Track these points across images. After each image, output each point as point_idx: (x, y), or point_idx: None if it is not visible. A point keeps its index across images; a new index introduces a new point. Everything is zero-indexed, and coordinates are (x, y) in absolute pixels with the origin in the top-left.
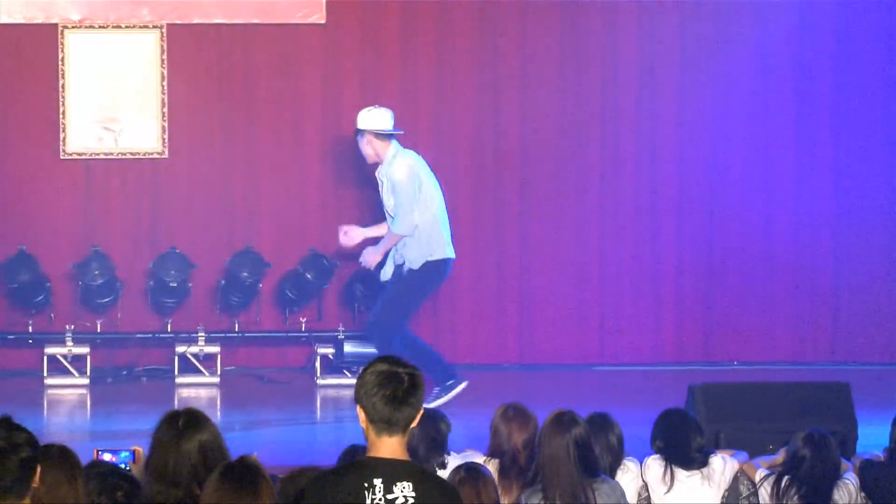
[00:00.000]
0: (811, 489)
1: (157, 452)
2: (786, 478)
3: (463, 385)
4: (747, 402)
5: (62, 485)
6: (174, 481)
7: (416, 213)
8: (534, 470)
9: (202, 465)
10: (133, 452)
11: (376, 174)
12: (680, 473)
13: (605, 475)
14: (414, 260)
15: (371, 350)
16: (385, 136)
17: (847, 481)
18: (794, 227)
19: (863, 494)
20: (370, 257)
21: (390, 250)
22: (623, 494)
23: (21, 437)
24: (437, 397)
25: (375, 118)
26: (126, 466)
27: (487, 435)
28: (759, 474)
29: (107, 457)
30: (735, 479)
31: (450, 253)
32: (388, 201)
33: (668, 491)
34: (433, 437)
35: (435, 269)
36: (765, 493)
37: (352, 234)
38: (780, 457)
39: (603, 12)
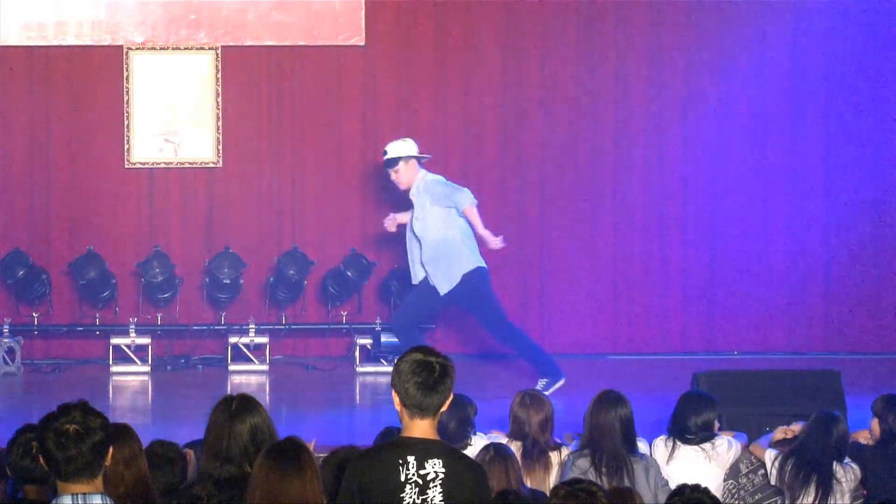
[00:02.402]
0: (818, 467)
1: (213, 432)
2: (792, 458)
3: (561, 382)
4: (747, 388)
5: (126, 461)
6: (227, 458)
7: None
8: (583, 440)
9: (252, 444)
10: (185, 455)
11: (411, 197)
12: (682, 448)
13: (640, 452)
14: (445, 280)
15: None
16: (417, 162)
17: (854, 465)
18: (788, 225)
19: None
20: (494, 243)
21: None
22: (658, 471)
23: (96, 421)
24: (546, 388)
25: (411, 146)
26: None
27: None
28: (769, 455)
29: None
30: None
31: (480, 262)
32: (420, 220)
33: (668, 462)
34: (462, 420)
35: (471, 279)
36: (775, 471)
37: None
38: (775, 435)
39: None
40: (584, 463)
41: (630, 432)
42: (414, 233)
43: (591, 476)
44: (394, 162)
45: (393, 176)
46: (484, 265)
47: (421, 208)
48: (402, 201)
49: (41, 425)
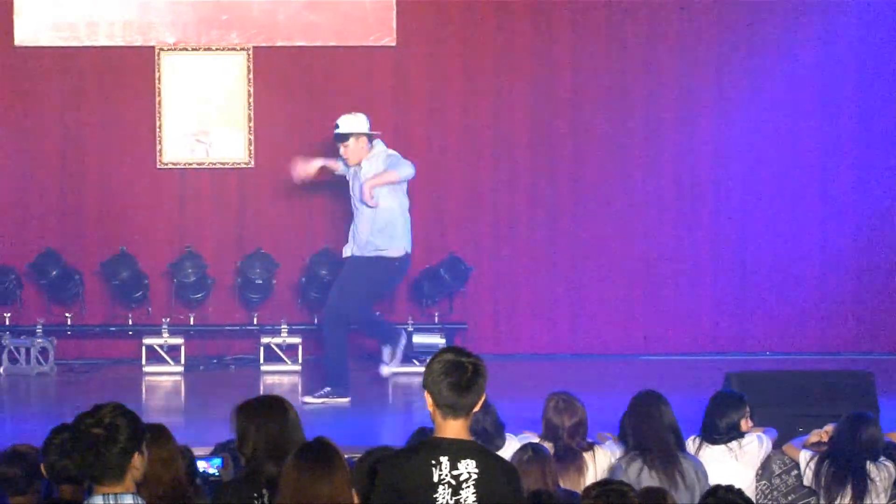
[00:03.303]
0: (852, 467)
1: (269, 431)
2: (826, 459)
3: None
4: (779, 388)
5: (163, 462)
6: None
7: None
8: (632, 444)
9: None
10: (223, 459)
11: (352, 169)
12: (708, 448)
13: (687, 452)
14: (382, 247)
15: (439, 341)
16: (368, 139)
17: (887, 463)
18: (820, 225)
19: None
20: (367, 186)
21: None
22: (705, 473)
23: (124, 424)
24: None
25: (363, 122)
26: (217, 473)
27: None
28: (804, 455)
29: (200, 465)
30: (768, 458)
31: (408, 247)
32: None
33: None
34: (496, 420)
35: (390, 263)
36: (809, 472)
37: (308, 163)
38: (810, 437)
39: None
40: (635, 467)
41: (678, 431)
42: (353, 200)
43: (645, 479)
44: (345, 137)
45: (342, 150)
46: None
47: (363, 174)
48: (433, 197)
49: (73, 425)
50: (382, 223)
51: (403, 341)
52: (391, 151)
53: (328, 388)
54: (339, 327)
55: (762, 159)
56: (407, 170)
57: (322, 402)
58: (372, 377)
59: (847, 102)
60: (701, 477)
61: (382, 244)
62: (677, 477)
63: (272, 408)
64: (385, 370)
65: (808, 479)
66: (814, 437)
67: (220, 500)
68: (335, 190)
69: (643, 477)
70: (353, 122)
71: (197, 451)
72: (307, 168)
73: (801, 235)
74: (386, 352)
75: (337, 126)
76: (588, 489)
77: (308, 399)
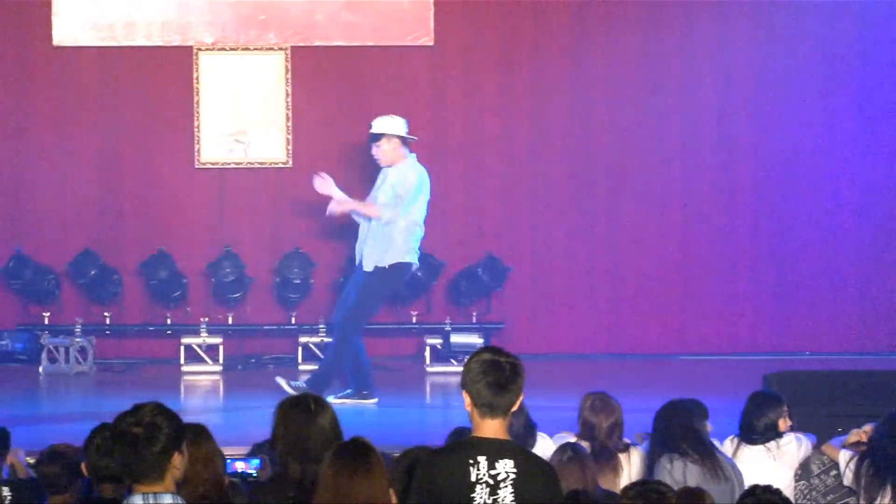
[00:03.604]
0: (891, 468)
1: (292, 432)
2: (866, 459)
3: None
4: (818, 388)
5: (203, 461)
6: (315, 458)
7: (397, 214)
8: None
9: (335, 440)
10: (262, 460)
11: (381, 172)
12: (746, 448)
13: (722, 452)
14: (379, 259)
15: (476, 341)
16: (403, 142)
17: None
18: (860, 225)
19: None
20: (337, 207)
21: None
22: (739, 472)
23: (164, 424)
24: (346, 398)
25: (396, 125)
26: (255, 474)
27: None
28: (844, 455)
29: (239, 465)
30: (807, 459)
31: (414, 259)
32: (379, 195)
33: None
34: (528, 420)
35: (398, 271)
36: (849, 472)
37: (327, 184)
38: (850, 437)
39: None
40: (678, 465)
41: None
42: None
43: (690, 475)
44: (377, 137)
45: (374, 150)
46: (416, 263)
47: (385, 185)
48: (473, 196)
49: (113, 424)
50: (380, 234)
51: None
52: (416, 175)
53: (350, 391)
54: (354, 334)
55: (802, 158)
56: (388, 213)
57: (341, 403)
58: (409, 377)
59: (889, 99)
60: (738, 473)
61: (379, 255)
62: (718, 471)
63: (297, 407)
64: (281, 381)
65: (847, 479)
66: (853, 436)
67: (254, 500)
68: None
69: (687, 473)
70: (386, 124)
71: (235, 451)
72: (339, 208)
73: (841, 234)
74: (311, 381)
75: (371, 126)
76: (626, 489)
77: (330, 399)
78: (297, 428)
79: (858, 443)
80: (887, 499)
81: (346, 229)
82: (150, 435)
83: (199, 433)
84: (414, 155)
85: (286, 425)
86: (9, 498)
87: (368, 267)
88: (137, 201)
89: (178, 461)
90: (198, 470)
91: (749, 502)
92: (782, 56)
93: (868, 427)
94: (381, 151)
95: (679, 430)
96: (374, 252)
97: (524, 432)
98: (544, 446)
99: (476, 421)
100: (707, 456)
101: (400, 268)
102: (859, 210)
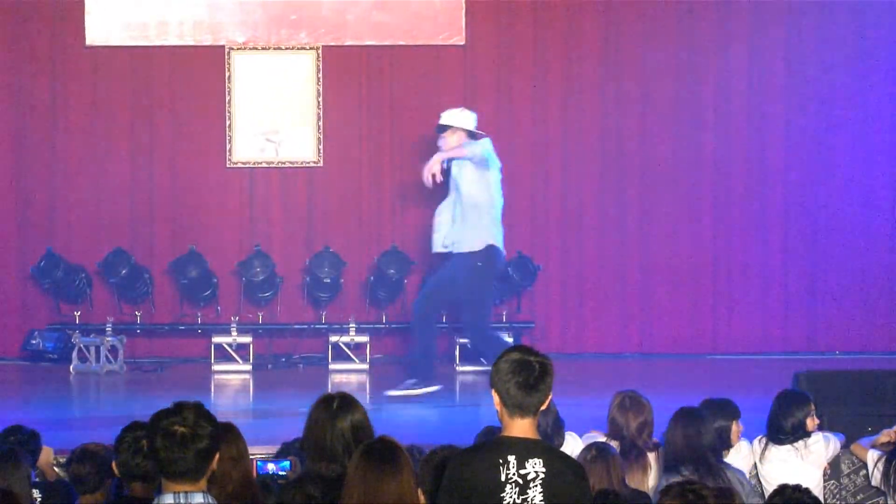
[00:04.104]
0: None
1: (314, 431)
2: (894, 460)
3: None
4: (848, 388)
5: (233, 460)
6: (332, 457)
7: (477, 155)
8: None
9: (354, 443)
10: (291, 462)
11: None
12: (774, 448)
13: (725, 462)
14: (468, 242)
15: (507, 340)
16: (471, 136)
17: None
18: (891, 225)
19: None
20: (433, 161)
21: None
22: (748, 482)
23: (205, 426)
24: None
25: (464, 118)
26: (285, 474)
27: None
28: (872, 455)
29: (270, 467)
30: (836, 458)
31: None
32: (460, 182)
33: (762, 463)
34: (556, 419)
35: (489, 255)
36: (877, 472)
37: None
38: (881, 437)
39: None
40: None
41: (716, 446)
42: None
43: None
44: (443, 129)
45: (440, 142)
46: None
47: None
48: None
49: (152, 421)
50: (461, 214)
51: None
52: (484, 145)
53: (413, 381)
54: (427, 319)
55: (833, 157)
56: (474, 149)
57: (405, 395)
58: (440, 376)
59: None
60: (745, 483)
61: (460, 237)
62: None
63: (320, 405)
64: (391, 392)
65: (875, 479)
66: (883, 436)
67: (282, 499)
68: (403, 190)
69: None
70: (454, 117)
71: (264, 450)
72: (432, 167)
73: (873, 235)
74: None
75: (440, 117)
76: (667, 488)
77: (391, 392)
78: (321, 427)
79: (889, 443)
80: None
81: (377, 227)
82: (196, 434)
83: (228, 431)
84: (485, 139)
85: (310, 424)
86: (39, 500)
87: (472, 247)
88: (169, 200)
89: (215, 461)
90: (226, 469)
91: (778, 501)
92: (812, 56)
93: None
94: (445, 143)
95: (685, 450)
96: (470, 233)
97: (552, 431)
98: (573, 445)
99: (505, 420)
100: (710, 475)
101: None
102: (892, 210)
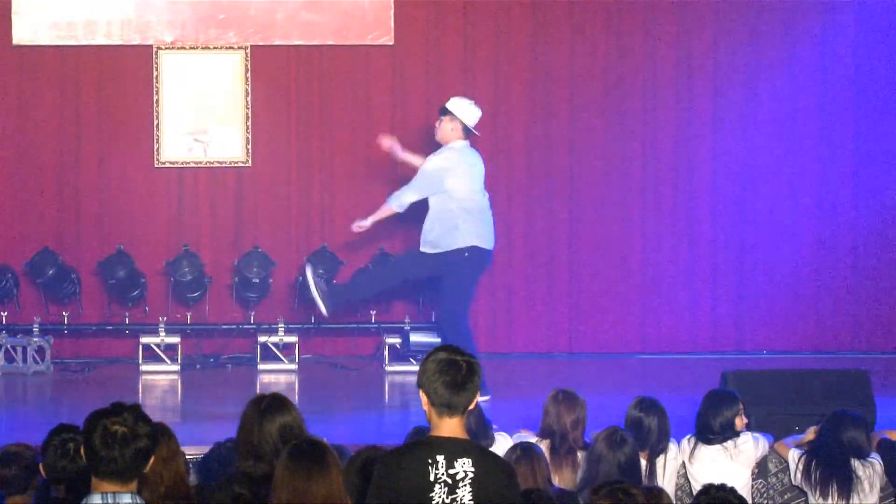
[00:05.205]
0: (837, 466)
1: (244, 431)
2: (814, 458)
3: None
4: (775, 387)
5: (164, 461)
6: (259, 456)
7: (412, 198)
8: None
9: (283, 443)
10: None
11: None
12: (703, 448)
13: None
14: (433, 243)
15: (435, 340)
16: (465, 131)
17: (873, 460)
18: (817, 225)
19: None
20: (358, 224)
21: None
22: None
23: (144, 428)
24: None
25: (466, 110)
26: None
27: (539, 417)
28: (793, 454)
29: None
30: (764, 458)
31: (476, 242)
32: None
33: (691, 462)
34: (482, 419)
35: (465, 256)
36: (798, 471)
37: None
38: (806, 436)
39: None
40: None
41: (635, 469)
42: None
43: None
44: (444, 111)
45: (436, 123)
46: (482, 246)
47: None
48: None
49: (90, 420)
50: (433, 217)
51: None
52: (445, 154)
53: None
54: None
55: (758, 157)
56: (395, 203)
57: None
58: (368, 376)
59: (846, 101)
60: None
61: (435, 239)
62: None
63: (251, 405)
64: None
65: (796, 478)
66: (810, 434)
67: (211, 499)
68: (332, 189)
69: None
70: (459, 106)
71: (194, 451)
72: (360, 227)
73: (799, 234)
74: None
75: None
76: (597, 488)
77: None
78: (249, 426)
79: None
80: (834, 497)
81: (307, 227)
82: (135, 434)
83: (160, 432)
84: (466, 143)
85: (241, 422)
86: None
87: (435, 249)
88: (96, 200)
89: (150, 464)
90: (158, 469)
91: (703, 501)
92: (740, 58)
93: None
94: (440, 126)
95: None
96: (434, 235)
97: (478, 430)
98: (504, 445)
99: (434, 420)
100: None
101: (471, 251)
102: (817, 210)
